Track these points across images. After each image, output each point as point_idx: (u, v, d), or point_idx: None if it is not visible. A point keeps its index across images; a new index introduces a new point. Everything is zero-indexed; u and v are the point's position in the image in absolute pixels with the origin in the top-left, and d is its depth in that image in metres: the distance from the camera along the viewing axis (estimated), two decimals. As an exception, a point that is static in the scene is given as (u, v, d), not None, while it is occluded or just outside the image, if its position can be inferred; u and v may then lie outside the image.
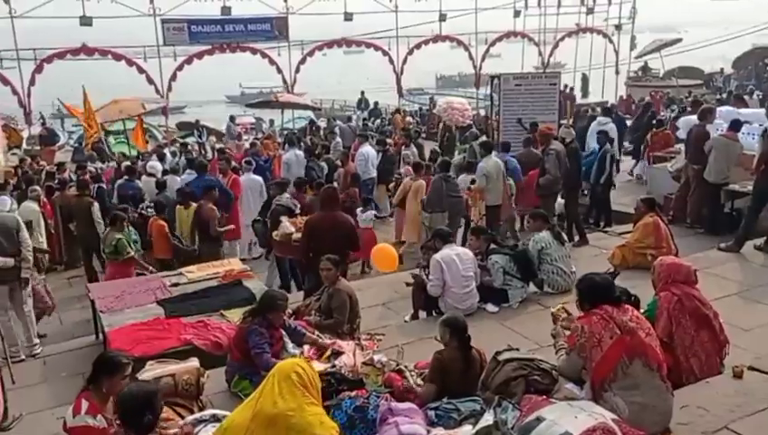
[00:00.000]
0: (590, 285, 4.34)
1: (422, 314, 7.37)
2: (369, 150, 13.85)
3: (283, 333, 5.71)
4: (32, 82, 21.97)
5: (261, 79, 38.87)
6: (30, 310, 7.60)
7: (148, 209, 10.28)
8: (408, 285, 7.66)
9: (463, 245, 10.15)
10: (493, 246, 7.55)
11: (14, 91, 21.50)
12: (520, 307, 7.28)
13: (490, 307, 7.23)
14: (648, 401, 4.03)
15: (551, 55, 30.20)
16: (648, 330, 4.22)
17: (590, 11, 31.07)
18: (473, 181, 10.50)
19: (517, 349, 4.85)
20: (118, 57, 23.20)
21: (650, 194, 10.61)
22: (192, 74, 25.02)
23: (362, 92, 30.44)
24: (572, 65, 32.20)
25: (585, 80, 32.90)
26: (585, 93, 32.28)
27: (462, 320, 4.97)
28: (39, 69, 22.06)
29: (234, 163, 13.07)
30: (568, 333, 4.60)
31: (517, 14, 29.23)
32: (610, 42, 31.67)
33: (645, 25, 45.30)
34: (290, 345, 5.76)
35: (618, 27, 31.82)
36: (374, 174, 13.42)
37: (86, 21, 22.63)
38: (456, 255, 7.10)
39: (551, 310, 5.28)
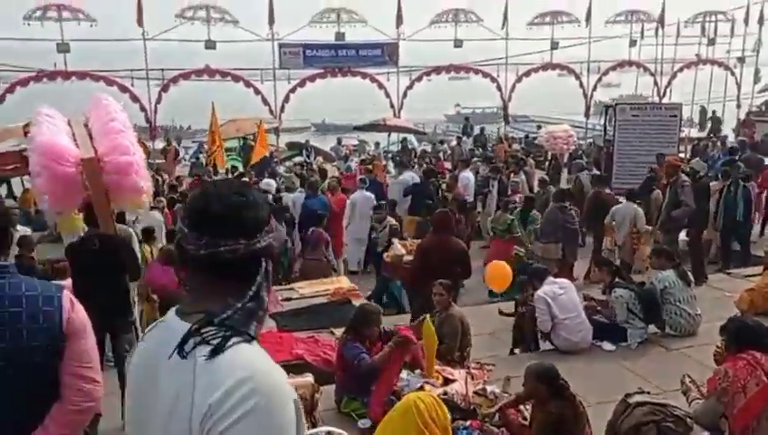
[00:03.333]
0: (741, 327, 4.06)
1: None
2: (468, 176, 13.93)
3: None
4: (158, 100, 23.35)
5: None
6: (136, 318, 7.83)
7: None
8: (500, 313, 7.55)
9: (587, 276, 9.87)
10: (617, 279, 7.23)
11: (142, 108, 22.88)
12: (639, 348, 6.90)
13: (606, 345, 6.91)
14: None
15: (668, 86, 28.99)
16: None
17: (712, 42, 29.72)
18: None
19: (648, 393, 4.55)
20: (236, 78, 24.29)
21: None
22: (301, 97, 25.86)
23: (467, 118, 30.37)
24: (690, 97, 30.83)
25: (704, 113, 31.36)
26: (703, 127, 30.76)
27: (553, 368, 4.59)
28: (165, 88, 23.42)
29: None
30: (694, 394, 4.30)
31: (633, 43, 28.35)
32: (732, 74, 30.10)
33: (770, 58, 42.91)
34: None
35: (741, 60, 30.23)
36: (471, 199, 13.38)
37: (210, 44, 23.95)
38: (560, 287, 6.93)
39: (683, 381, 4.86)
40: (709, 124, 27.44)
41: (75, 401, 2.45)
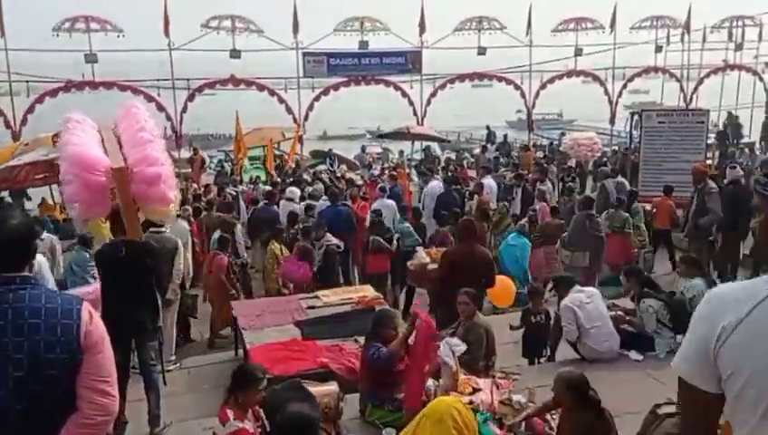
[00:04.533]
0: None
1: (559, 354, 7.09)
2: (491, 183, 14.03)
3: None
4: (184, 109, 23.62)
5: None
6: (172, 327, 7.93)
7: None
8: (512, 328, 7.45)
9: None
10: (646, 289, 7.14)
11: (168, 117, 23.17)
12: (668, 357, 6.74)
13: (633, 355, 6.84)
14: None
15: (694, 92, 28.63)
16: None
17: (739, 47, 29.29)
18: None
19: (678, 403, 4.47)
20: (261, 87, 24.50)
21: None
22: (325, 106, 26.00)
23: (488, 127, 30.28)
24: (716, 103, 30.42)
25: (731, 117, 30.91)
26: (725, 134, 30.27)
27: (583, 377, 4.57)
28: (191, 97, 23.69)
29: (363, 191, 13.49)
30: None
31: (659, 49, 28.06)
32: (760, 80, 29.64)
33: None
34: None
35: (769, 65, 29.83)
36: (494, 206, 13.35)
37: (235, 54, 24.22)
38: (587, 296, 6.88)
39: None
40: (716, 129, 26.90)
41: (90, 414, 2.46)
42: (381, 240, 9.87)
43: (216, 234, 10.11)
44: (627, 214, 10.53)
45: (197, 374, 7.55)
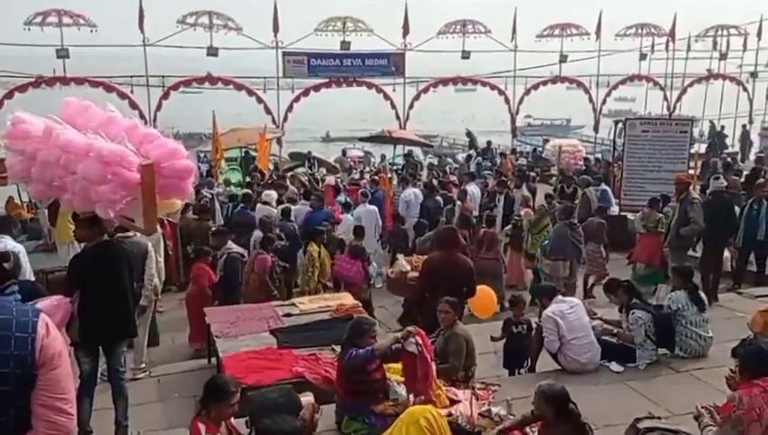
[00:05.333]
0: (757, 353, 4.04)
1: (539, 365, 7.12)
2: (474, 190, 14.21)
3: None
4: (158, 108, 23.46)
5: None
6: (144, 334, 7.82)
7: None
8: (493, 339, 7.48)
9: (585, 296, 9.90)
10: (635, 300, 7.19)
11: (142, 116, 22.99)
12: (648, 369, 6.86)
13: (614, 366, 6.88)
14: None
15: (678, 101, 29.07)
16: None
17: (724, 56, 29.82)
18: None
19: (659, 417, 4.54)
20: (239, 87, 24.43)
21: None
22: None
23: (469, 132, 30.44)
24: (700, 113, 30.91)
25: (713, 128, 31.42)
26: (713, 144, 30.76)
27: (564, 390, 4.61)
28: (166, 95, 23.55)
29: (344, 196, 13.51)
30: (707, 421, 4.28)
31: (643, 57, 28.46)
32: (744, 90, 30.18)
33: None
34: (395, 386, 5.68)
35: (753, 75, 30.31)
36: (476, 213, 13.50)
37: (212, 51, 24.13)
38: (570, 306, 6.92)
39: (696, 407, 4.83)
40: (708, 140, 27.38)
41: (45, 433, 2.37)
42: None
43: (257, 233, 10.22)
44: (661, 214, 10.78)
45: (168, 383, 7.46)
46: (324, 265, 9.73)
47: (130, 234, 7.37)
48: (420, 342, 5.28)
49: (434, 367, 5.45)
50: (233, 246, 9.20)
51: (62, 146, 5.09)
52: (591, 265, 10.92)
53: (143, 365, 7.75)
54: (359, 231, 10.41)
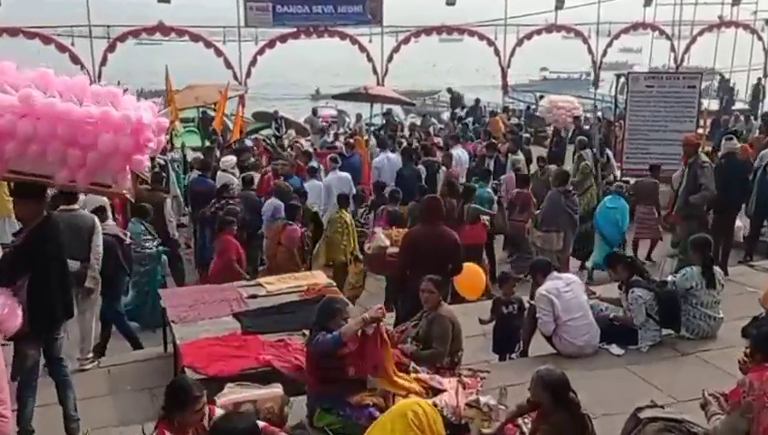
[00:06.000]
0: (768, 332, 4.08)
1: (532, 349, 7.19)
2: (461, 153, 14.25)
3: None
4: (103, 62, 23.02)
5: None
6: (92, 319, 7.79)
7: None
8: (482, 322, 7.53)
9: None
10: (636, 277, 7.23)
11: (85, 70, 22.55)
12: (651, 351, 6.97)
13: (615, 349, 6.98)
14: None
15: (686, 51, 29.10)
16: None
17: (736, 2, 29.84)
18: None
19: (662, 406, 4.60)
20: (195, 38, 24.04)
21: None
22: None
23: (449, 89, 30.31)
24: (710, 65, 31.03)
25: (724, 81, 31.57)
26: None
27: (564, 376, 4.67)
28: (111, 48, 23.09)
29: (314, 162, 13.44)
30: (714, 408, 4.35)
31: (648, 2, 28.39)
32: (759, 39, 30.28)
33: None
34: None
35: (768, 22, 30.45)
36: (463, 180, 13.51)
37: (164, -4, 23.58)
38: (566, 283, 6.97)
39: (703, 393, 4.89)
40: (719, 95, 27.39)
41: None
42: (480, 208, 10.37)
43: (273, 202, 10.45)
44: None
45: (119, 374, 7.43)
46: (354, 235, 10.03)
47: (75, 206, 7.40)
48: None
49: (391, 352, 5.44)
50: (109, 224, 8.51)
51: (58, 115, 4.99)
52: (642, 229, 11.45)
53: (90, 355, 7.71)
54: (395, 195, 10.57)
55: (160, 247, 9.61)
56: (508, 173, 13.07)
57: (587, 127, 20.37)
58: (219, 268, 9.13)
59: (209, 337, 6.76)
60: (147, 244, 9.31)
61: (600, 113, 24.93)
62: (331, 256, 10.02)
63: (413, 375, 5.70)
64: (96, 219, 7.52)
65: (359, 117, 24.27)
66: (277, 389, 5.32)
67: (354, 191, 12.13)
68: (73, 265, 7.18)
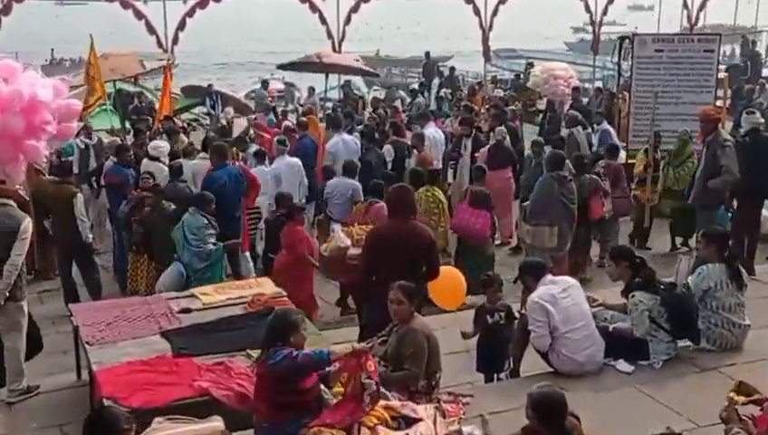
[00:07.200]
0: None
1: (523, 367, 7.23)
2: (433, 133, 14.38)
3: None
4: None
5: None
6: (17, 341, 7.60)
7: None
8: (464, 336, 7.54)
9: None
10: (638, 278, 7.27)
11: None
12: (665, 367, 7.05)
13: (622, 365, 7.05)
14: None
15: (701, 9, 29.48)
16: None
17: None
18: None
19: (680, 433, 4.65)
20: (109, -5, 23.76)
21: None
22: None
23: (427, 54, 30.40)
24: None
25: (747, 44, 32.04)
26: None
27: (558, 395, 4.70)
28: (6, 10, 22.74)
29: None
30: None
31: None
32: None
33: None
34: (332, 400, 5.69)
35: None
36: (439, 165, 13.79)
37: (71, -52, 23.31)
38: (562, 288, 7.02)
39: (728, 393, 4.96)
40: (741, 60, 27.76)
41: None
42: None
43: (345, 183, 11.10)
44: None
45: (22, 409, 7.32)
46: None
47: (8, 202, 7.48)
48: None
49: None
50: None
51: None
52: None
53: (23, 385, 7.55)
54: (480, 175, 11.11)
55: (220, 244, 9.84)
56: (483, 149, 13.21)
57: (585, 100, 20.56)
58: (288, 263, 9.49)
59: (133, 361, 6.72)
60: (209, 239, 9.58)
61: (599, 84, 25.18)
62: None
63: (382, 402, 5.70)
64: (28, 222, 7.48)
65: (311, 91, 24.25)
66: (217, 422, 5.27)
67: (305, 182, 12.09)
68: None
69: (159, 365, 6.69)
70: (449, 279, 7.93)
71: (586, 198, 10.64)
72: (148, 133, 15.08)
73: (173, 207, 10.24)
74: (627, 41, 16.29)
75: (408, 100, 23.92)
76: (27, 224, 7.44)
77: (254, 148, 13.25)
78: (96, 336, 7.21)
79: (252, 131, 16.01)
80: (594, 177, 11.06)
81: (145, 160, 12.24)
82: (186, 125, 17.57)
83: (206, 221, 9.53)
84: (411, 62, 36.42)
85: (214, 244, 9.58)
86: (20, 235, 7.30)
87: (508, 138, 13.91)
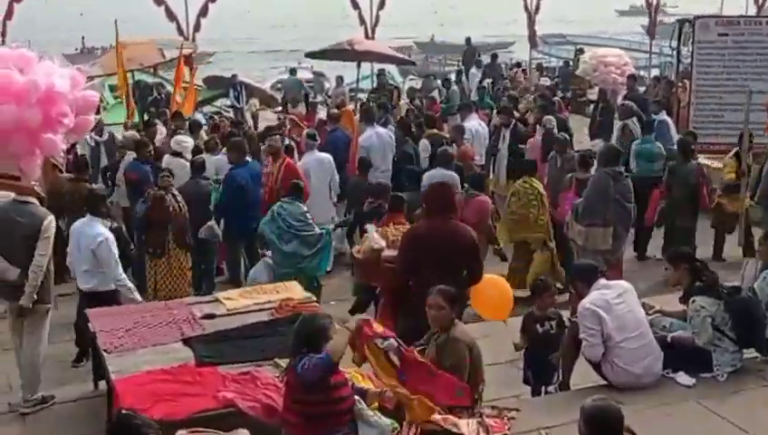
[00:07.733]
0: None
1: (574, 379, 7.21)
2: (475, 126, 14.27)
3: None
4: (8, 15, 22.98)
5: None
6: (37, 348, 7.80)
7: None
8: (517, 348, 7.53)
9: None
10: (699, 282, 7.26)
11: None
12: (730, 380, 7.00)
13: (682, 378, 7.01)
14: None
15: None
16: None
17: None
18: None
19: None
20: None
21: None
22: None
23: (467, 39, 30.29)
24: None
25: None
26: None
27: (614, 411, 4.66)
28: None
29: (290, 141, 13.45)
30: None
31: None
32: None
33: None
34: (369, 416, 5.69)
35: None
36: (482, 161, 13.79)
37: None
38: (617, 294, 6.98)
39: None
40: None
41: None
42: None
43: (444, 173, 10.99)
44: None
45: (36, 421, 7.43)
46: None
47: (31, 199, 7.65)
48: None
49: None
50: None
51: None
52: None
53: (38, 396, 7.69)
54: (585, 162, 10.96)
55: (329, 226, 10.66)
56: (533, 139, 13.26)
57: (642, 89, 20.36)
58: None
59: (153, 370, 6.76)
60: (310, 223, 10.12)
61: (656, 71, 24.95)
62: (519, 235, 10.94)
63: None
64: (51, 220, 7.61)
65: (339, 80, 24.26)
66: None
67: (337, 178, 12.11)
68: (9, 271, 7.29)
69: (182, 375, 6.72)
70: (495, 287, 7.83)
71: (695, 185, 10.96)
72: (157, 126, 15.12)
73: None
74: (687, 24, 16.11)
75: (444, 90, 23.88)
76: (50, 222, 7.56)
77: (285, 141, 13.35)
78: (114, 343, 7.25)
79: (287, 123, 16.11)
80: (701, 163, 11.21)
81: (166, 157, 12.33)
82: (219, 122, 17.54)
83: (305, 208, 10.09)
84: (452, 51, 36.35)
85: (321, 227, 10.20)
86: (42, 233, 7.43)
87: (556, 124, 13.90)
